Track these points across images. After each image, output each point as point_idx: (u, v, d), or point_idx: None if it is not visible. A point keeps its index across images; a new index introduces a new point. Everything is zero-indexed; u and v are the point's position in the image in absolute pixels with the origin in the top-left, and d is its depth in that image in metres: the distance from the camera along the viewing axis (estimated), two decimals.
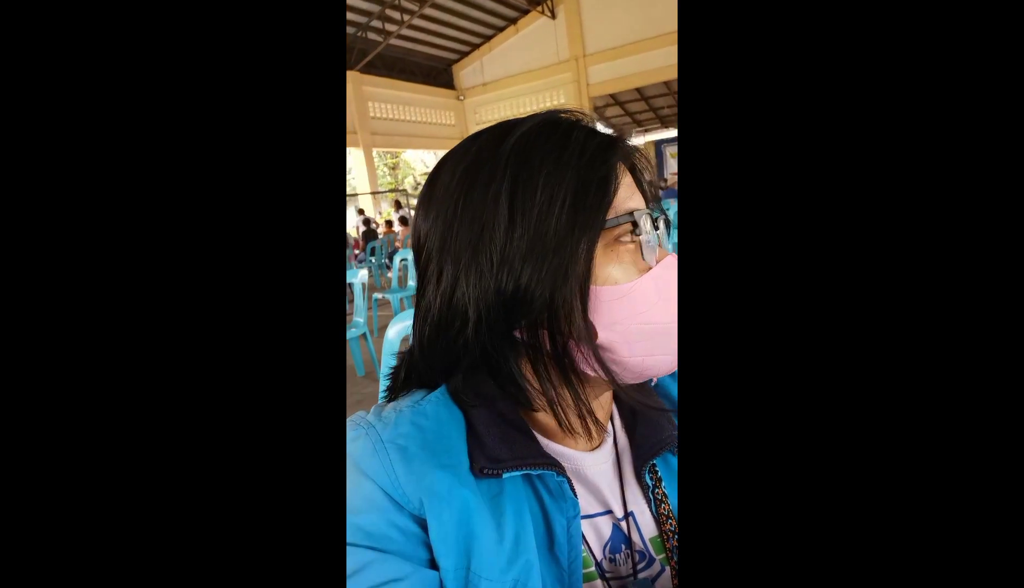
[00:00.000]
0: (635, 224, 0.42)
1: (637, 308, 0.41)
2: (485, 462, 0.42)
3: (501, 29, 12.45)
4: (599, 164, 0.41)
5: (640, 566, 0.46)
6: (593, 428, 0.45)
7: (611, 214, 0.41)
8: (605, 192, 0.41)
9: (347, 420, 0.46)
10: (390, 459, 0.42)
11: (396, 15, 10.03)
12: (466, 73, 13.46)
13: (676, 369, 0.42)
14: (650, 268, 0.42)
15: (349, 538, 0.39)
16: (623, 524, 0.45)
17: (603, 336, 0.42)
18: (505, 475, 0.41)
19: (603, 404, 0.48)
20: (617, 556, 0.46)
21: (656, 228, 0.43)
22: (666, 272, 0.42)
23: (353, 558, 0.38)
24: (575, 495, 0.42)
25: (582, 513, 0.43)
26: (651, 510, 0.46)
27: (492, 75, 13.00)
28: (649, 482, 0.46)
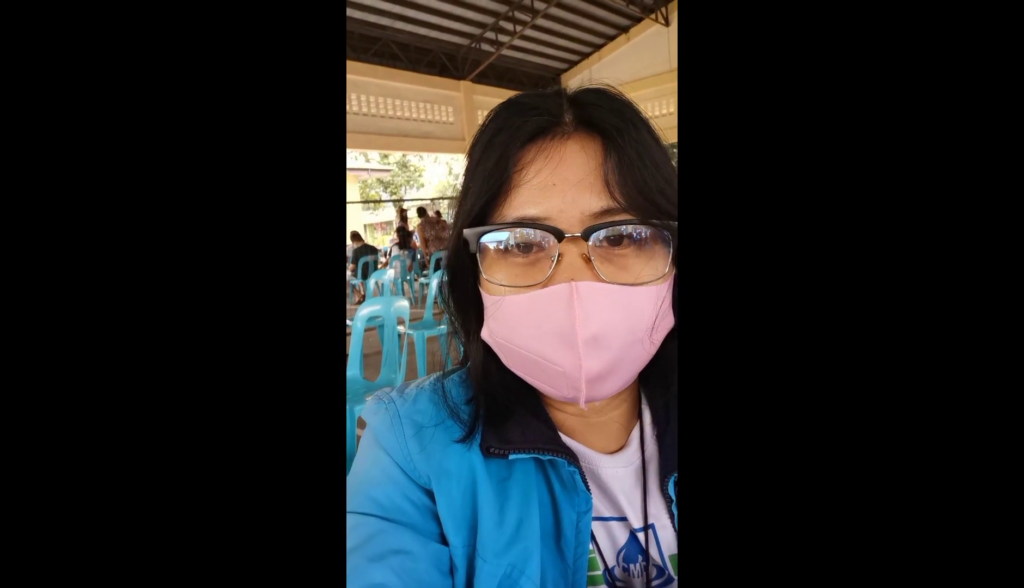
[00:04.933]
0: (468, 242, 0.39)
1: (502, 324, 0.40)
2: (494, 441, 0.42)
3: (612, 38, 12.33)
4: (493, 161, 0.39)
5: (656, 582, 0.44)
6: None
7: (497, 217, 0.39)
8: (478, 192, 0.39)
9: (373, 395, 0.49)
10: (404, 434, 0.44)
11: (509, 26, 10.30)
12: (574, 82, 13.42)
13: (574, 399, 0.39)
14: (540, 286, 0.38)
15: (363, 509, 0.41)
16: (641, 535, 0.44)
17: (491, 335, 0.42)
18: (512, 457, 0.42)
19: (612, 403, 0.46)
20: (632, 566, 0.44)
21: (522, 248, 0.38)
22: (535, 301, 0.37)
23: (366, 527, 0.40)
24: (588, 490, 0.42)
25: (594, 514, 0.43)
26: (674, 525, 0.44)
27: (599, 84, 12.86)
28: (673, 495, 0.44)
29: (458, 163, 12.47)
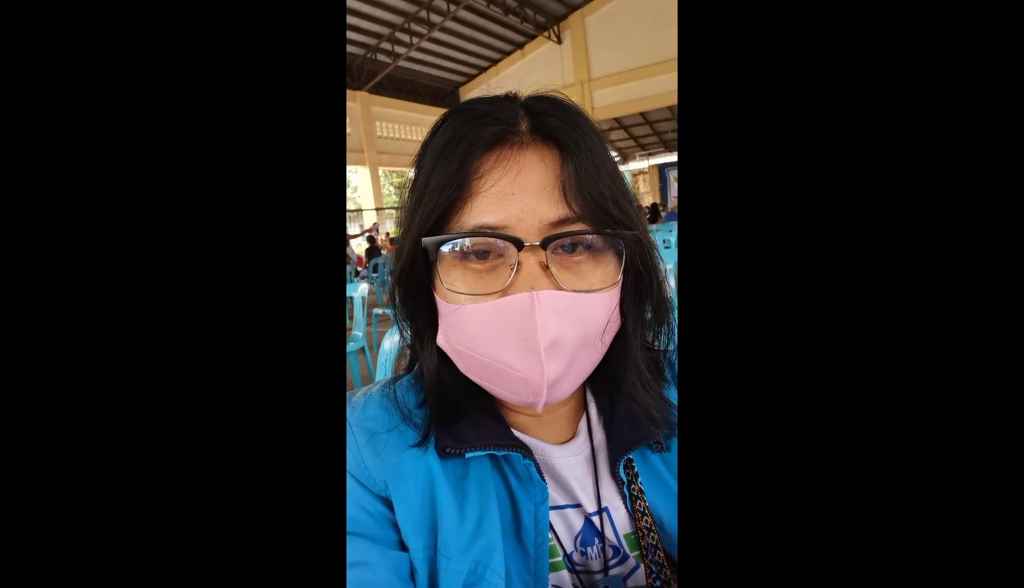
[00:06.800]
0: (426, 250, 0.38)
1: (462, 332, 0.39)
2: (449, 441, 0.42)
3: (508, 53, 12.65)
4: (453, 169, 0.38)
5: (613, 562, 0.46)
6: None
7: (455, 225, 0.39)
8: (436, 200, 0.38)
9: None
10: (356, 442, 0.43)
11: (405, 38, 10.25)
12: (472, 95, 13.66)
13: (532, 404, 0.39)
14: (499, 294, 0.37)
15: None
16: (596, 519, 0.46)
17: (448, 342, 0.41)
18: (468, 455, 0.41)
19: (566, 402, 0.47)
20: (589, 550, 0.45)
21: (478, 256, 0.38)
22: (496, 311, 0.37)
23: None
24: (543, 480, 0.43)
25: (550, 504, 0.44)
26: (626, 506, 0.46)
27: None
28: (624, 478, 0.46)
29: (357, 175, 12.12)
